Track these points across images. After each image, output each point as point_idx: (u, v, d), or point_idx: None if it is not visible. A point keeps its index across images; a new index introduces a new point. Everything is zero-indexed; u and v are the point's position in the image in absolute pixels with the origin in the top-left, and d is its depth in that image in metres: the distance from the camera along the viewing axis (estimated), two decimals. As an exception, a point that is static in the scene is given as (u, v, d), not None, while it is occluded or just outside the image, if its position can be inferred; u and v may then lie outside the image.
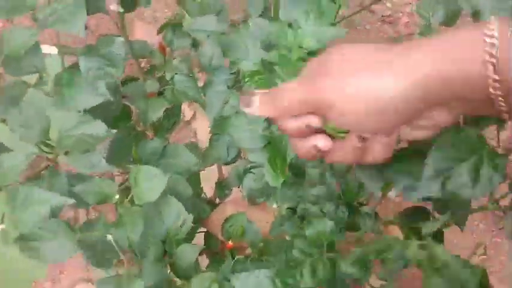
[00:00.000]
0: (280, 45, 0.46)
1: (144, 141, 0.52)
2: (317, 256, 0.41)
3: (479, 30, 0.28)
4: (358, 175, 0.46)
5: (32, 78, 0.49)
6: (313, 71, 0.31)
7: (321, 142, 0.32)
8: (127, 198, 0.46)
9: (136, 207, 0.43)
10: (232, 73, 0.60)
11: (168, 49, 0.59)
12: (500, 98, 0.28)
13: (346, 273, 0.39)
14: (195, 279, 0.43)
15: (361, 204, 0.53)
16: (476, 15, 0.40)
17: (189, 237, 0.51)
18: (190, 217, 0.47)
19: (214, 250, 0.60)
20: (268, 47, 0.49)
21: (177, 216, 0.47)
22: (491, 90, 0.27)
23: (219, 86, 0.57)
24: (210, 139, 0.61)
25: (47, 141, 0.45)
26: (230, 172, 0.66)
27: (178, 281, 0.49)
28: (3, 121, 0.44)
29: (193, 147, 0.61)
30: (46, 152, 0.47)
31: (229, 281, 0.48)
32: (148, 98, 0.53)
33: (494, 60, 0.27)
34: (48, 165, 0.48)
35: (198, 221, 0.61)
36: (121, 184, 0.58)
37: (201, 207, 0.61)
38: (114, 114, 0.53)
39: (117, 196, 0.43)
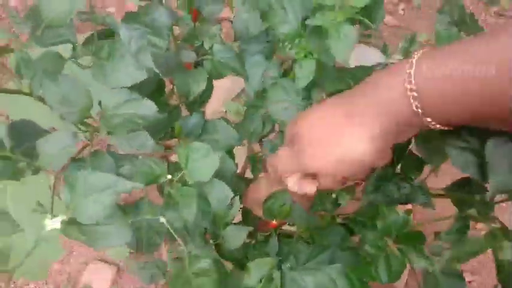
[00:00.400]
0: (324, 6, 0.42)
1: (186, 117, 0.49)
2: (389, 250, 0.39)
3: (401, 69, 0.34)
4: (420, 151, 0.45)
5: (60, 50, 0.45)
6: (294, 143, 0.40)
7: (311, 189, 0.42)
8: (173, 177, 0.43)
9: (190, 188, 0.40)
10: (268, 41, 0.57)
11: (200, 16, 0.55)
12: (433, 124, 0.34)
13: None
14: (252, 264, 0.42)
15: (411, 178, 0.51)
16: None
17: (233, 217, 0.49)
18: (237, 199, 0.45)
19: (253, 227, 0.58)
20: (308, 9, 0.45)
21: (224, 197, 0.45)
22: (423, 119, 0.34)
23: (256, 56, 0.54)
24: (245, 112, 0.59)
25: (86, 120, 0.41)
26: (263, 145, 0.63)
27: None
28: (41, 100, 0.40)
29: (226, 121, 0.58)
30: (83, 131, 0.44)
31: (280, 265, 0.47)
32: (187, 70, 0.50)
33: (414, 93, 0.32)
34: (86, 146, 0.44)
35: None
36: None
37: (237, 184, 0.59)
38: (151, 88, 0.50)
39: (169, 176, 0.41)
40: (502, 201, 0.50)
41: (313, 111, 0.40)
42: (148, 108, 0.40)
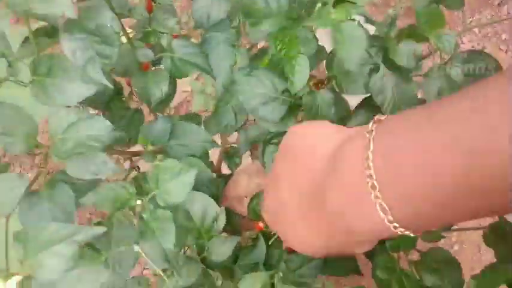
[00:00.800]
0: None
1: (151, 122, 0.44)
2: (399, 271, 0.37)
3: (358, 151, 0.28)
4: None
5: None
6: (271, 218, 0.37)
7: None
8: (144, 196, 0.39)
9: (166, 212, 0.36)
10: (233, 27, 0.51)
11: (153, 5, 0.48)
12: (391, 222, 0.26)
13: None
14: (244, 280, 0.39)
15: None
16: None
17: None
18: (223, 210, 0.41)
19: (236, 228, 0.55)
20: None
21: (208, 212, 0.41)
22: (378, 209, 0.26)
23: (222, 46, 0.49)
24: (215, 105, 0.54)
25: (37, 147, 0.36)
26: (239, 138, 0.59)
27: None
28: (-24, 130, 0.34)
29: (196, 120, 0.54)
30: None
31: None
32: (144, 71, 0.44)
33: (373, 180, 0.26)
34: (39, 173, 0.39)
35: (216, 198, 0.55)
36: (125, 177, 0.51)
37: (215, 183, 0.55)
38: (108, 94, 0.44)
39: (139, 201, 0.36)
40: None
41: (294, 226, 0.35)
42: (102, 127, 0.35)
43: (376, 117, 0.28)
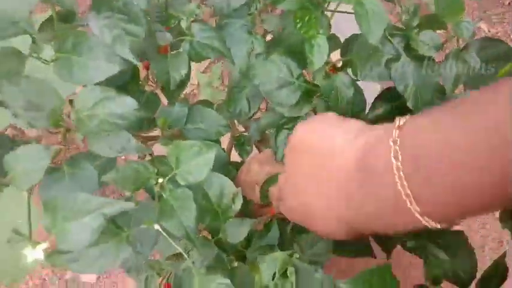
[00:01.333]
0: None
1: (168, 106, 0.44)
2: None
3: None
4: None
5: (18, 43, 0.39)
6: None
7: None
8: (162, 177, 0.39)
9: (186, 190, 0.36)
10: (249, 14, 0.51)
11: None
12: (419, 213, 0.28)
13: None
14: (263, 265, 0.39)
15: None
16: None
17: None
18: (240, 191, 0.42)
19: (249, 213, 0.55)
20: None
21: (225, 193, 0.42)
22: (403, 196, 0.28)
23: (239, 32, 0.49)
24: (229, 92, 0.54)
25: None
26: (251, 127, 0.59)
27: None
28: (2, 104, 0.34)
29: (211, 107, 0.54)
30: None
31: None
32: (163, 54, 0.44)
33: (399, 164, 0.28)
34: (60, 150, 0.39)
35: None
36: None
37: (227, 168, 0.55)
38: (125, 77, 0.44)
39: (161, 180, 0.37)
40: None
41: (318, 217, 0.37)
42: (126, 105, 0.35)
43: (397, 124, 0.30)
